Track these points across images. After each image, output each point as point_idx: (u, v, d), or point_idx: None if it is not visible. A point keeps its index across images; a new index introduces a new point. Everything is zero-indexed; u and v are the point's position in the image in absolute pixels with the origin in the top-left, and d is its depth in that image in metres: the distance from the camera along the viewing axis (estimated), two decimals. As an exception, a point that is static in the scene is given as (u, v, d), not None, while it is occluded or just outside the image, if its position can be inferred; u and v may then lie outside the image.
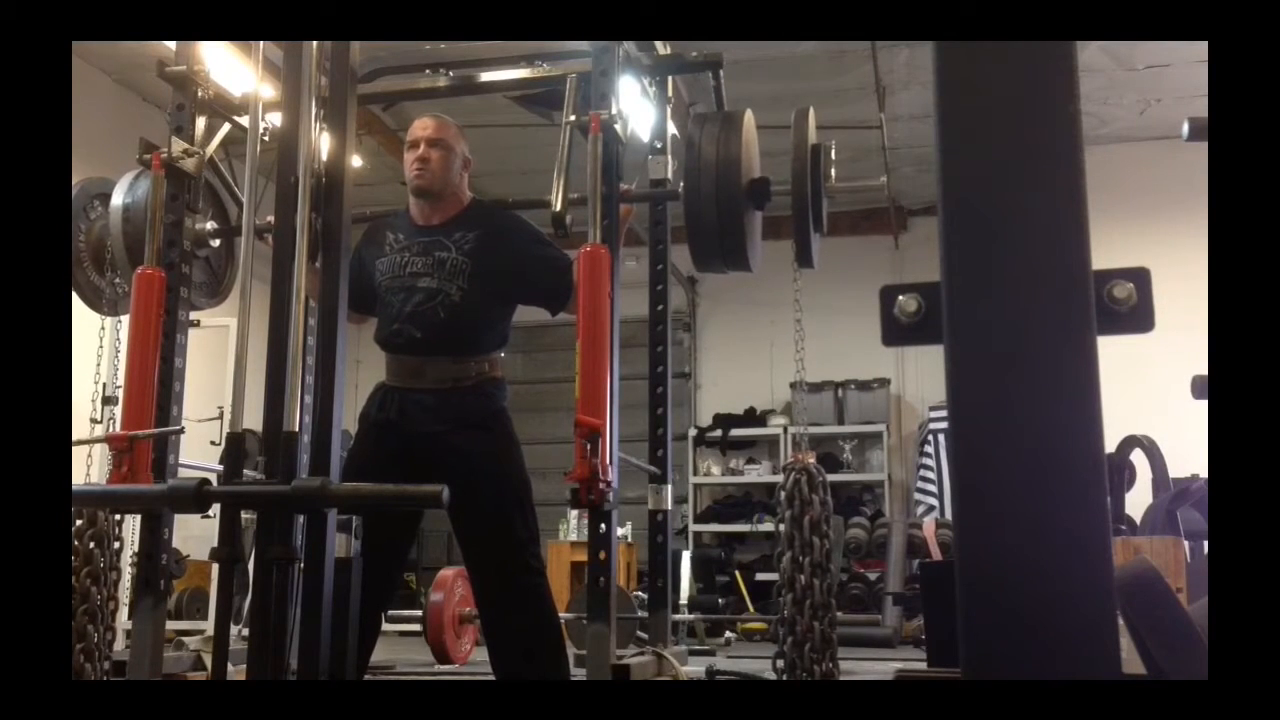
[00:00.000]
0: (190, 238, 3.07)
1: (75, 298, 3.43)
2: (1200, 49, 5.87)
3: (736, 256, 2.94)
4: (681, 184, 2.96)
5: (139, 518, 4.13)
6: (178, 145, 2.98)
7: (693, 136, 2.92)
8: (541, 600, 2.77)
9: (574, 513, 7.05)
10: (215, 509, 2.07)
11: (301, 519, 1.97)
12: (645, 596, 4.75)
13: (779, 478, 9.52)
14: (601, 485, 2.53)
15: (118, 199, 3.24)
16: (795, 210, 2.80)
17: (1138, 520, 4.53)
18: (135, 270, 2.94)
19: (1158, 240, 6.75)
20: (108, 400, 5.35)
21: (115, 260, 3.27)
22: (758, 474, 8.90)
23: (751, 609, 7.53)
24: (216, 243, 3.31)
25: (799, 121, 2.87)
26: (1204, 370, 0.97)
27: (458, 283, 2.84)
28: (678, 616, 6.05)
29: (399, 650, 6.20)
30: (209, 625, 5.32)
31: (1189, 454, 5.14)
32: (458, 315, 2.83)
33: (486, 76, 3.49)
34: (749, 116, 3.00)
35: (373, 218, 3.26)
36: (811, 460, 2.68)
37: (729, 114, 3.00)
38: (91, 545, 2.86)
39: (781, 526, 2.60)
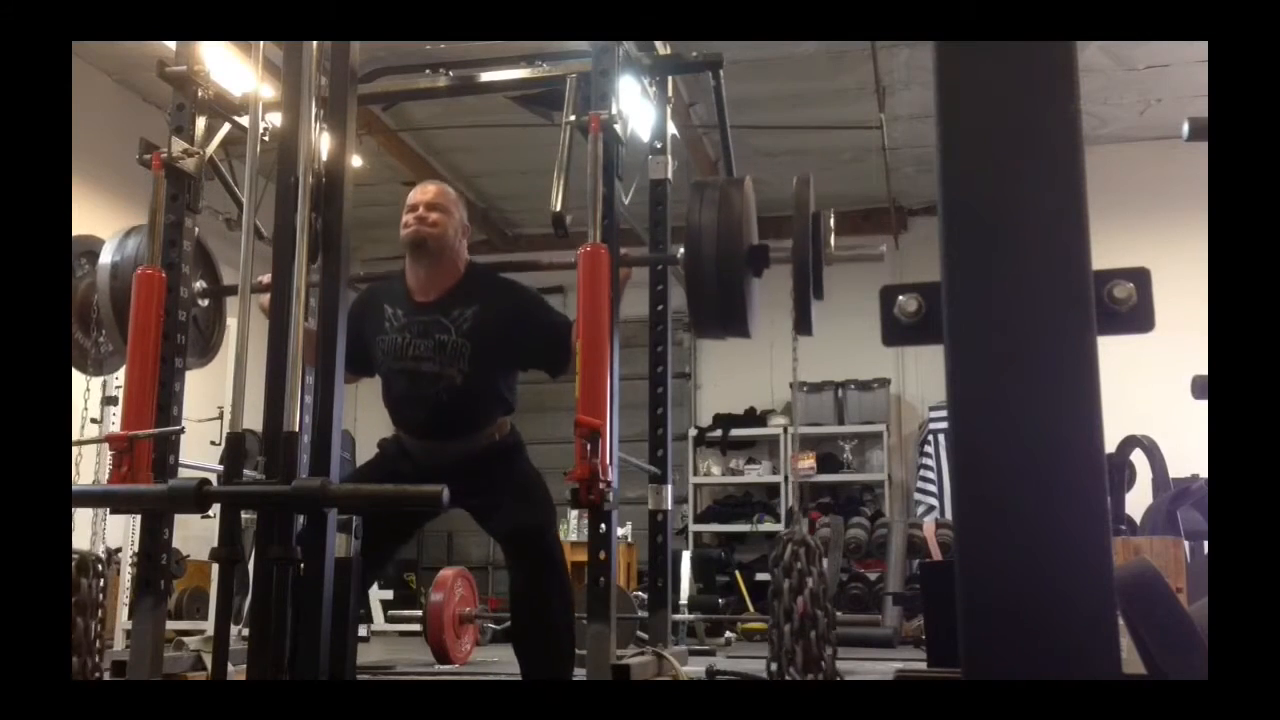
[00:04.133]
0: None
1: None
2: (1200, 49, 5.87)
3: (737, 323, 2.96)
4: (682, 250, 2.96)
5: (139, 518, 4.13)
6: (178, 145, 2.98)
7: (692, 204, 2.92)
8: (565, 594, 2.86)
9: (574, 513, 7.05)
10: (215, 509, 2.08)
11: (301, 519, 1.98)
12: (645, 596, 4.75)
13: (779, 478, 9.47)
14: (601, 485, 2.53)
15: (106, 257, 3.17)
16: (796, 280, 2.81)
17: (1138, 520, 4.53)
18: (123, 329, 2.93)
19: (1158, 240, 6.74)
20: (108, 400, 5.36)
21: (102, 318, 3.19)
22: (758, 474, 8.90)
23: (751, 609, 7.52)
24: (205, 302, 3.27)
25: (800, 190, 2.86)
26: (1204, 370, 0.97)
27: (459, 366, 2.88)
28: (678, 616, 6.05)
29: (399, 650, 6.20)
30: (209, 625, 5.32)
31: (1189, 454, 5.15)
32: (461, 399, 2.89)
33: (486, 76, 3.49)
34: (748, 183, 3.01)
35: (366, 279, 3.24)
36: (809, 533, 2.61)
37: (729, 181, 3.01)
38: (81, 578, 2.81)
39: (776, 602, 2.49)
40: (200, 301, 3.23)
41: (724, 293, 2.87)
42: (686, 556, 7.35)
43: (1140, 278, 0.80)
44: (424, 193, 2.97)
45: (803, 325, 2.82)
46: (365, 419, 7.17)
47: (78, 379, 3.83)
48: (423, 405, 2.90)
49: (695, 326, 2.99)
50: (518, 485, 2.95)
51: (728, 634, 6.69)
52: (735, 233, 2.87)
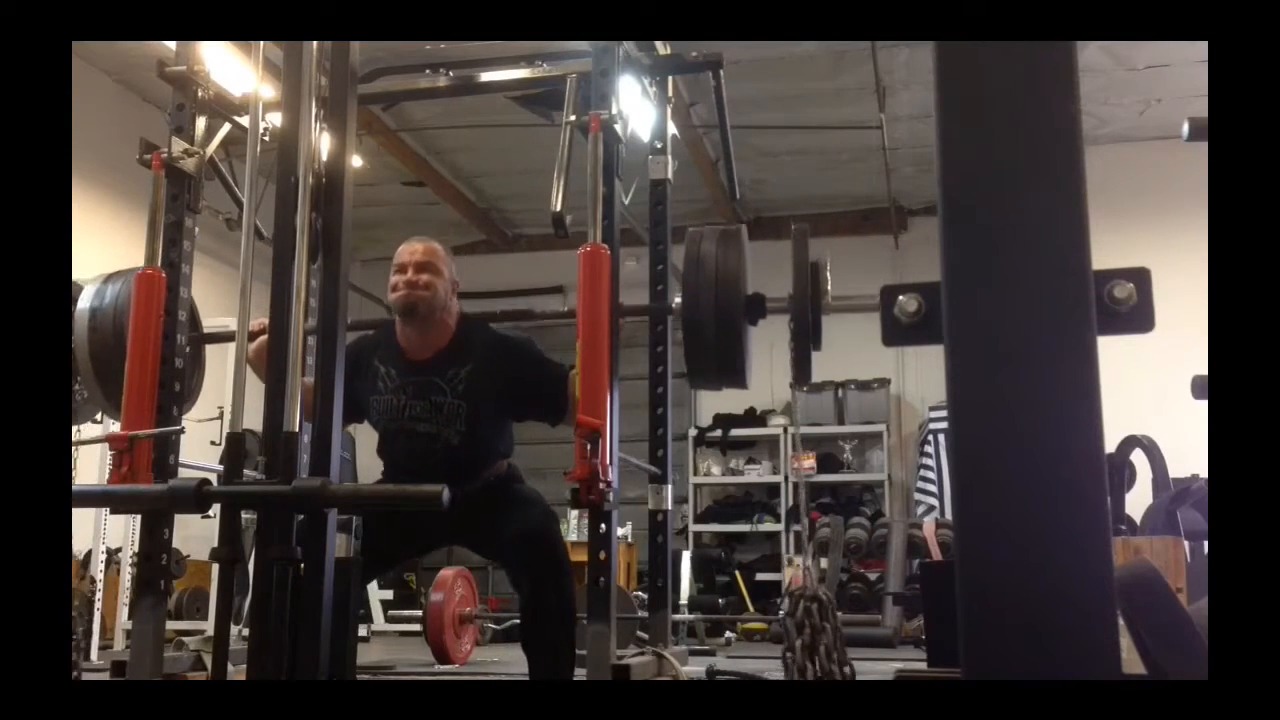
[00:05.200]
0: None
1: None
2: (1200, 49, 5.87)
3: (735, 375, 2.96)
4: (678, 299, 2.95)
5: (139, 518, 4.12)
6: (178, 145, 2.98)
7: (689, 256, 2.92)
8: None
9: (574, 513, 7.05)
10: (215, 509, 2.08)
11: (301, 519, 1.97)
12: (645, 596, 4.75)
13: (779, 478, 9.45)
14: (601, 485, 2.53)
15: (84, 303, 3.09)
16: (796, 331, 2.80)
17: (1138, 520, 4.52)
18: (101, 379, 2.91)
19: (1158, 240, 6.74)
20: (108, 400, 5.34)
21: (78, 367, 3.07)
22: (758, 474, 8.90)
23: (751, 609, 7.53)
24: (186, 349, 3.14)
25: (798, 242, 2.85)
26: (1204, 370, 0.97)
27: (456, 426, 2.90)
28: (678, 616, 6.05)
29: (399, 650, 6.20)
30: (209, 625, 5.32)
31: (1189, 454, 5.14)
32: (459, 456, 2.90)
33: (486, 76, 3.49)
34: (744, 232, 3.01)
35: (353, 327, 3.09)
36: (820, 588, 2.56)
37: (725, 232, 3.00)
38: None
39: (789, 655, 2.45)
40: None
41: (722, 345, 2.86)
42: (686, 556, 7.36)
43: (1140, 278, 0.80)
44: (412, 252, 2.93)
45: (801, 376, 2.82)
46: (365, 419, 7.17)
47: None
48: (420, 463, 2.90)
49: (692, 378, 2.99)
50: (516, 502, 2.98)
51: (728, 634, 6.70)
52: (733, 285, 2.86)
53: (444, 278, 2.94)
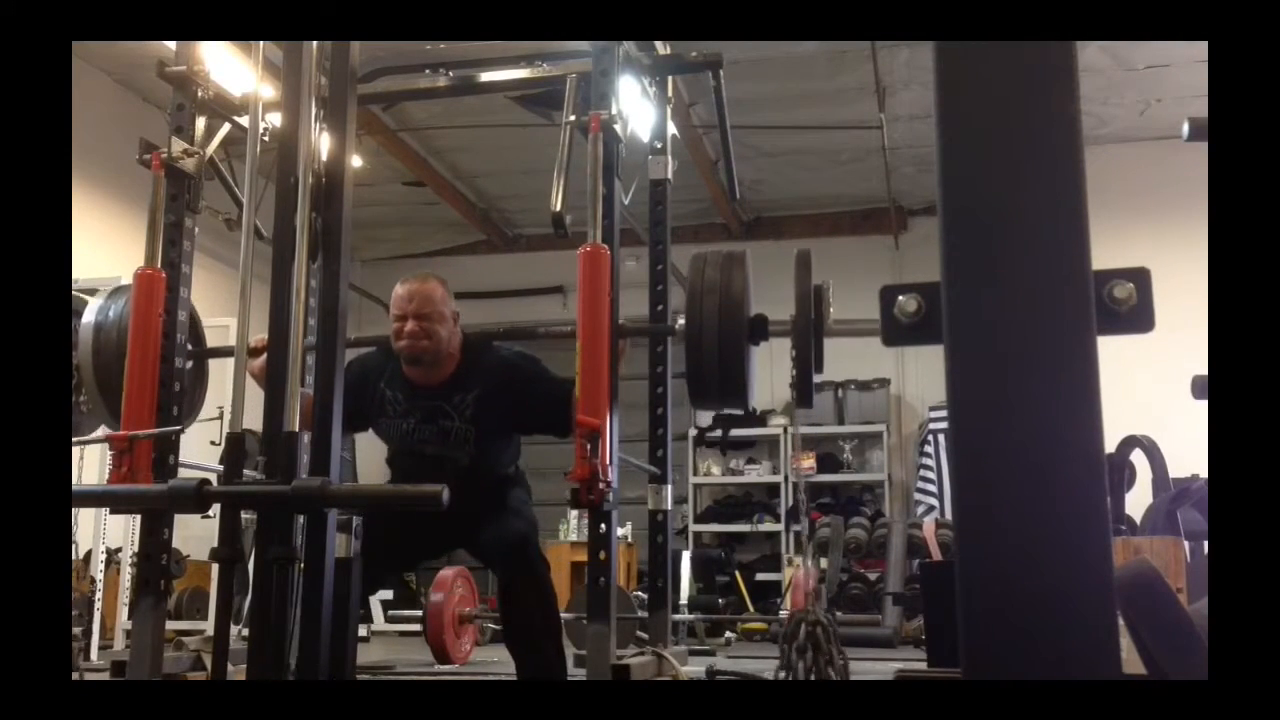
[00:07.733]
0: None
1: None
2: (1200, 49, 5.87)
3: (736, 397, 2.96)
4: (681, 320, 2.95)
5: (139, 518, 4.12)
6: (178, 145, 2.98)
7: (693, 279, 2.91)
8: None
9: (574, 513, 7.05)
10: (215, 509, 2.08)
11: (301, 519, 1.97)
12: (645, 596, 4.74)
13: (779, 478, 9.40)
14: (601, 485, 2.53)
15: (89, 316, 3.03)
16: (798, 356, 2.80)
17: (1138, 520, 4.52)
18: (105, 394, 2.91)
19: (1158, 240, 6.74)
20: (108, 400, 5.33)
21: (83, 381, 3.01)
22: (758, 474, 8.89)
23: (751, 609, 7.52)
24: (189, 365, 3.10)
25: (800, 267, 2.84)
26: (1204, 370, 0.97)
27: (465, 449, 2.95)
28: (678, 616, 6.04)
29: (399, 650, 6.20)
30: (209, 625, 5.32)
31: (1189, 454, 5.14)
32: (468, 476, 2.92)
33: (486, 76, 3.49)
34: (747, 256, 3.01)
35: (354, 344, 3.07)
36: (820, 612, 2.52)
37: (729, 255, 2.99)
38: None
39: (788, 676, 2.39)
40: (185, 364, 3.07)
41: (724, 368, 2.87)
42: (686, 556, 7.35)
43: (1140, 278, 0.80)
44: (410, 298, 2.92)
45: (804, 399, 2.83)
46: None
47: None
48: (430, 483, 2.91)
49: (693, 399, 2.99)
50: (502, 509, 3.02)
51: (728, 634, 6.69)
52: (736, 308, 2.86)
53: (444, 318, 2.95)
